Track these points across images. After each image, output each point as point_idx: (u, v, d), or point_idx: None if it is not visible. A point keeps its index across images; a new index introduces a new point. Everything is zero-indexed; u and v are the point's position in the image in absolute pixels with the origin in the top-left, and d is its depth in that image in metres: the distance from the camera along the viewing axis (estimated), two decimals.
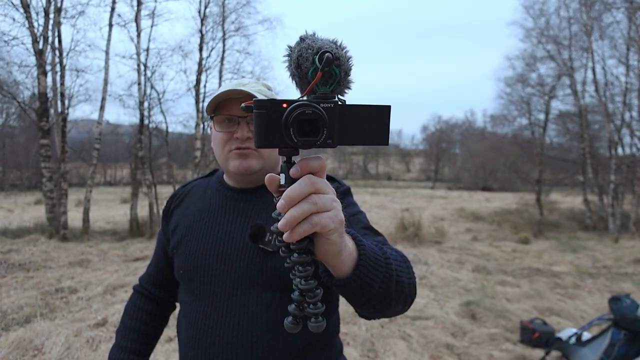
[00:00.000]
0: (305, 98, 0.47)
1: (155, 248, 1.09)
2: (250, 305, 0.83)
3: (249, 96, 0.86)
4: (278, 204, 0.47)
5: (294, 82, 0.49)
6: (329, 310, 0.89)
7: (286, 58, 0.50)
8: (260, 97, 0.83)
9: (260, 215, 0.89)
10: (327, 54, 0.45)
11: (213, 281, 0.87)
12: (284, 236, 0.47)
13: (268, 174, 0.50)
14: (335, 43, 0.48)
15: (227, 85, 0.90)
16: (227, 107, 0.89)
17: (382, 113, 0.49)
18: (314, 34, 0.49)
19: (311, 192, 0.47)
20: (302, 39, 0.48)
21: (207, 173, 1.07)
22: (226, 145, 0.90)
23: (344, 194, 0.93)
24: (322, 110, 0.45)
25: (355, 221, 0.90)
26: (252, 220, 0.89)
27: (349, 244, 0.56)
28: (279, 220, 0.48)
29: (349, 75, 0.48)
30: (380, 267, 0.61)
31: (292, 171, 0.48)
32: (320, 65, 0.45)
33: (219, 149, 0.91)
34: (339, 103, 0.47)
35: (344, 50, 0.48)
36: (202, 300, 0.87)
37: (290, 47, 0.49)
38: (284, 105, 0.45)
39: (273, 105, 0.45)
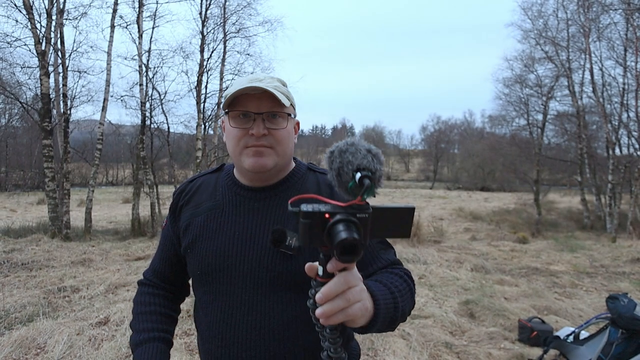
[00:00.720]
0: (342, 206, 0.53)
1: (160, 244, 1.06)
2: (271, 304, 0.86)
3: (264, 92, 0.85)
4: (317, 296, 0.56)
5: (333, 180, 0.55)
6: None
7: (327, 156, 0.56)
8: (275, 92, 0.84)
9: (275, 216, 0.90)
10: (367, 181, 0.51)
11: (233, 282, 0.88)
12: (320, 320, 0.56)
13: (308, 264, 0.59)
14: (372, 154, 0.54)
15: (242, 81, 0.88)
16: (243, 103, 0.87)
17: (407, 213, 0.56)
18: (354, 144, 0.55)
19: (345, 290, 0.56)
20: (342, 151, 0.54)
21: (215, 168, 1.05)
22: (241, 141, 0.88)
23: None
24: (359, 228, 0.51)
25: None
26: (267, 221, 0.90)
27: (368, 304, 0.63)
28: (313, 293, 0.58)
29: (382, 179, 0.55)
30: (390, 313, 0.70)
31: (329, 267, 0.56)
32: (361, 189, 0.51)
33: (233, 145, 0.90)
34: (370, 210, 0.53)
35: (380, 161, 0.54)
36: (222, 300, 0.88)
37: (332, 152, 0.55)
38: (327, 215, 0.52)
39: (317, 216, 0.52)
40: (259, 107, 0.86)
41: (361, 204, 0.52)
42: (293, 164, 0.98)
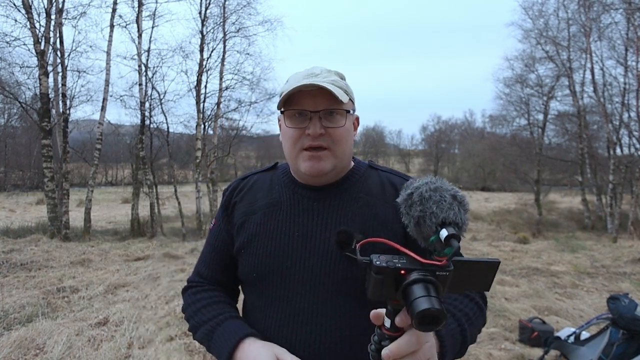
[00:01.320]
0: (420, 263, 0.49)
1: (207, 244, 0.98)
2: (331, 315, 0.79)
3: (321, 90, 0.79)
4: (384, 353, 0.54)
5: (409, 226, 0.51)
6: None
7: (404, 197, 0.51)
8: (331, 88, 0.78)
9: (338, 216, 0.84)
10: (456, 243, 0.47)
11: (290, 286, 0.81)
12: None
13: (374, 311, 0.57)
14: (458, 201, 0.49)
15: (298, 77, 0.84)
16: (298, 101, 0.81)
17: (490, 268, 0.52)
18: (437, 189, 0.50)
19: (416, 350, 0.53)
20: (424, 198, 0.49)
21: (268, 167, 0.99)
22: (297, 142, 0.83)
23: None
24: (438, 287, 0.48)
25: None
26: (329, 221, 0.84)
27: (436, 355, 0.62)
28: (377, 342, 0.56)
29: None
30: (458, 348, 0.70)
31: (398, 321, 0.53)
32: (444, 246, 0.47)
33: (290, 147, 0.84)
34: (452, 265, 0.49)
35: (466, 209, 0.49)
36: (277, 306, 0.82)
37: (410, 195, 0.50)
38: (402, 272, 0.48)
39: (391, 272, 0.49)
40: (315, 105, 0.81)
41: (442, 262, 0.48)
42: (352, 163, 0.93)
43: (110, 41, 9.07)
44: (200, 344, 0.87)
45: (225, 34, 10.79)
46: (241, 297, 1.00)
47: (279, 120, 0.91)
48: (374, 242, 0.55)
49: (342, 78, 0.88)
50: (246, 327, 0.82)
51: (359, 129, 0.98)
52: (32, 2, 7.85)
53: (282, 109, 0.84)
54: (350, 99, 0.85)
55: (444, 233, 0.47)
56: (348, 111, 0.84)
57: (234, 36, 11.08)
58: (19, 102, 8.87)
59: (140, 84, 9.53)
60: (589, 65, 11.61)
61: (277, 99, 0.99)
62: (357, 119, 0.93)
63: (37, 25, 7.97)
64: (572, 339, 2.89)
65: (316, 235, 0.83)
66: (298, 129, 0.82)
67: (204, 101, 10.52)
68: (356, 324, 0.79)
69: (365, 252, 0.77)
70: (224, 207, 0.96)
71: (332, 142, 0.82)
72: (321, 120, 0.81)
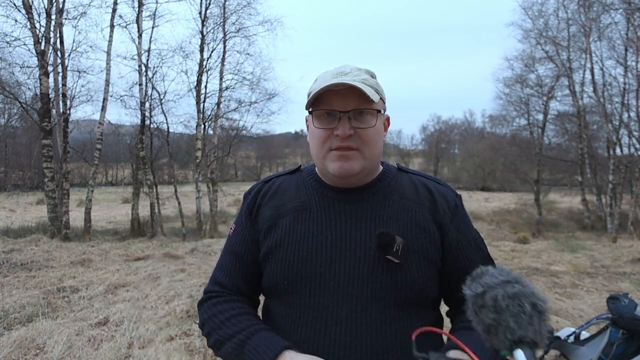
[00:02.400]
0: None
1: (226, 252, 0.91)
2: (374, 323, 0.74)
3: (350, 89, 0.76)
4: None
5: (476, 327, 0.48)
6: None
7: (473, 295, 0.47)
8: (362, 87, 0.75)
9: (373, 219, 0.81)
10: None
11: (326, 294, 0.76)
12: None
13: None
14: (538, 310, 0.44)
15: (327, 76, 0.80)
16: (327, 100, 0.78)
17: None
18: (517, 295, 0.44)
19: None
20: (499, 308, 0.44)
21: (292, 169, 0.94)
22: (325, 143, 0.79)
23: (459, 205, 0.87)
24: None
25: (477, 249, 0.85)
26: (363, 225, 0.80)
27: None
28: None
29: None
30: None
31: None
32: None
33: (318, 147, 0.81)
34: None
35: (546, 322, 0.45)
36: (312, 315, 0.77)
37: (480, 295, 0.47)
38: None
39: None
40: (344, 105, 0.77)
41: None
42: (380, 167, 0.89)
43: (110, 41, 9.07)
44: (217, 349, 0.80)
45: (225, 34, 10.80)
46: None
47: (306, 121, 0.87)
48: (432, 332, 0.52)
49: (373, 76, 0.84)
50: (282, 340, 0.76)
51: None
52: (32, 2, 7.85)
53: (311, 109, 0.81)
54: (381, 98, 0.82)
55: (520, 357, 0.42)
56: (379, 111, 0.80)
57: (234, 36, 11.10)
58: (19, 102, 8.88)
59: (140, 84, 9.54)
60: (588, 65, 11.63)
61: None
62: (388, 119, 0.89)
63: (37, 25, 7.97)
64: (571, 338, 2.89)
65: (351, 239, 0.79)
66: (326, 129, 0.79)
67: (204, 101, 10.53)
68: (397, 333, 0.75)
69: (406, 268, 0.75)
70: (247, 211, 0.90)
71: (361, 143, 0.79)
72: (350, 120, 0.78)
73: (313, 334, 0.75)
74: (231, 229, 0.94)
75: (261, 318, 0.88)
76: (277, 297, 0.83)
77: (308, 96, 0.81)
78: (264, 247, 0.84)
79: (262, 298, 0.94)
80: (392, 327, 0.75)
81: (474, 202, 20.32)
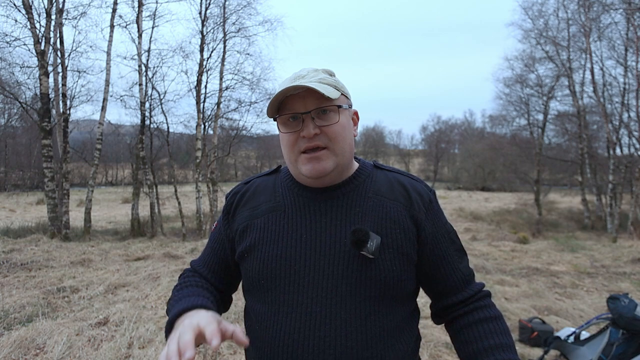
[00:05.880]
0: None
1: (207, 247, 0.97)
2: (349, 318, 0.76)
3: (309, 90, 0.78)
4: None
5: None
6: (413, 334, 0.86)
7: None
8: (317, 87, 0.77)
9: (348, 216, 0.82)
10: None
11: (301, 290, 0.78)
12: None
13: None
14: None
15: (285, 82, 0.83)
16: (289, 105, 0.81)
17: None
18: None
19: None
20: None
21: (271, 170, 0.96)
22: (295, 146, 0.81)
23: (433, 201, 0.89)
24: None
25: (451, 242, 0.89)
26: (338, 222, 0.81)
27: None
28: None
29: None
30: None
31: None
32: None
33: (288, 151, 0.83)
34: None
35: None
36: (286, 312, 0.79)
37: None
38: None
39: None
40: (305, 106, 0.79)
41: None
42: (356, 164, 0.90)
43: (110, 41, 9.08)
44: (167, 314, 0.82)
45: (225, 34, 10.79)
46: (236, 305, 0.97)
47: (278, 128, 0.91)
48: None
49: (331, 75, 0.86)
50: (207, 302, 0.80)
51: (360, 128, 0.95)
52: (32, 2, 7.85)
53: (275, 117, 0.83)
54: (342, 93, 0.84)
55: None
56: (340, 106, 0.81)
57: (234, 36, 11.08)
58: (19, 102, 8.87)
59: (140, 84, 9.54)
60: (588, 65, 11.63)
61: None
62: (356, 113, 0.90)
63: (37, 25, 7.97)
64: (572, 338, 2.89)
65: (326, 236, 0.80)
66: (293, 132, 0.81)
67: (204, 101, 10.53)
68: (373, 327, 0.77)
69: (381, 263, 0.78)
70: (225, 211, 0.93)
71: (329, 140, 0.80)
72: (314, 120, 0.80)
73: (289, 329, 0.77)
74: (214, 225, 0.99)
75: (243, 317, 0.92)
76: (255, 295, 0.85)
77: (269, 105, 0.83)
78: (240, 247, 0.87)
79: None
80: (367, 321, 0.77)
81: (474, 202, 20.32)
